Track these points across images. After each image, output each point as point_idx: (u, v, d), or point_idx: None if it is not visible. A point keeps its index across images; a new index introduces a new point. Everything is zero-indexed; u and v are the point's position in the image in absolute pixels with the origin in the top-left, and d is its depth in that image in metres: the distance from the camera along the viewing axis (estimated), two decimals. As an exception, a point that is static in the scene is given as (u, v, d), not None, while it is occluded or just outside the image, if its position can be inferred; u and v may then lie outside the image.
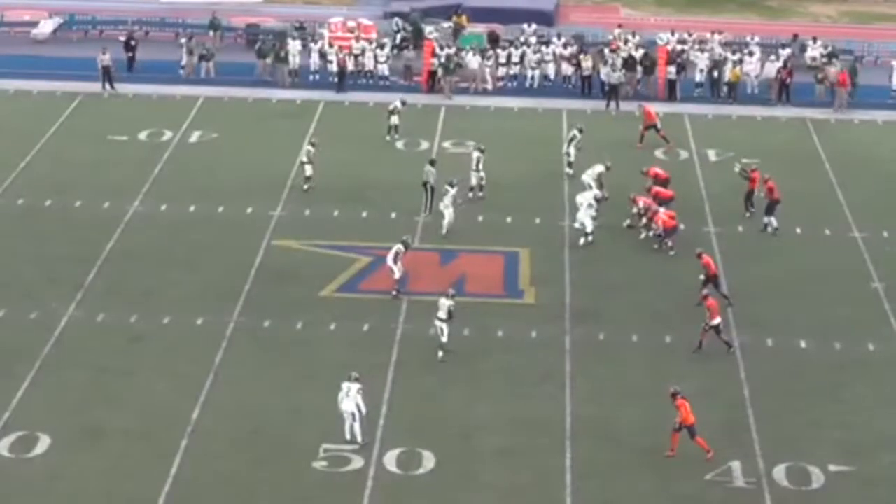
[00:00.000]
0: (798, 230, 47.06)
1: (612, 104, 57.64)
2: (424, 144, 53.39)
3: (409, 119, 54.45)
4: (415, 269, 43.02)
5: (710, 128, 56.02)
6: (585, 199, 45.64)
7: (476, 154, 48.53)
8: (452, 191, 45.77)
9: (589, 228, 45.16)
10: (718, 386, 37.82)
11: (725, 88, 59.12)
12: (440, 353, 38.46)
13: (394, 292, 41.77)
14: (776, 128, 56.46)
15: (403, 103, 54.45)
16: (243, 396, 36.61)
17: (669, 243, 44.86)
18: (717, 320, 39.18)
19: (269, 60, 59.92)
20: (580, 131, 50.78)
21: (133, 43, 60.55)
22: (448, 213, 45.57)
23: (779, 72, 59.05)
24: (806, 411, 36.86)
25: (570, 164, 50.27)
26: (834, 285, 43.70)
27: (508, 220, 47.16)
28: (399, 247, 42.07)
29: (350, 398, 34.45)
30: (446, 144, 53.54)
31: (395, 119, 53.50)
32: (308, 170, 48.68)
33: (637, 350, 39.60)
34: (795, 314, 41.80)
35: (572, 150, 50.34)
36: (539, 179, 50.30)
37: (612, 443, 35.30)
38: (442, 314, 38.49)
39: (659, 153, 53.06)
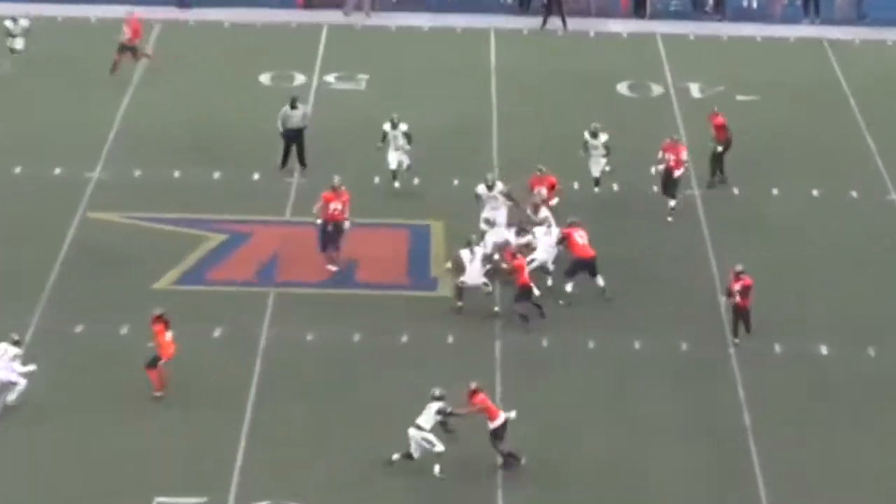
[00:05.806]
0: (815, 192, 47.49)
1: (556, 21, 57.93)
2: (300, 78, 53.73)
3: (278, 45, 56.22)
4: (286, 249, 43.64)
5: (692, 53, 56.91)
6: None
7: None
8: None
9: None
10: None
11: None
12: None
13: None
14: (782, 52, 57.20)
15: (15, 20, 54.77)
16: (34, 435, 35.64)
17: None
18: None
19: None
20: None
21: None
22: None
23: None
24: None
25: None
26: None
27: (416, 182, 47.36)
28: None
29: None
30: (329, 79, 53.94)
31: (17, 43, 53.90)
32: None
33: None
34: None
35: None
36: (466, 129, 50.47)
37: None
38: (424, 423, 36.14)
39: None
